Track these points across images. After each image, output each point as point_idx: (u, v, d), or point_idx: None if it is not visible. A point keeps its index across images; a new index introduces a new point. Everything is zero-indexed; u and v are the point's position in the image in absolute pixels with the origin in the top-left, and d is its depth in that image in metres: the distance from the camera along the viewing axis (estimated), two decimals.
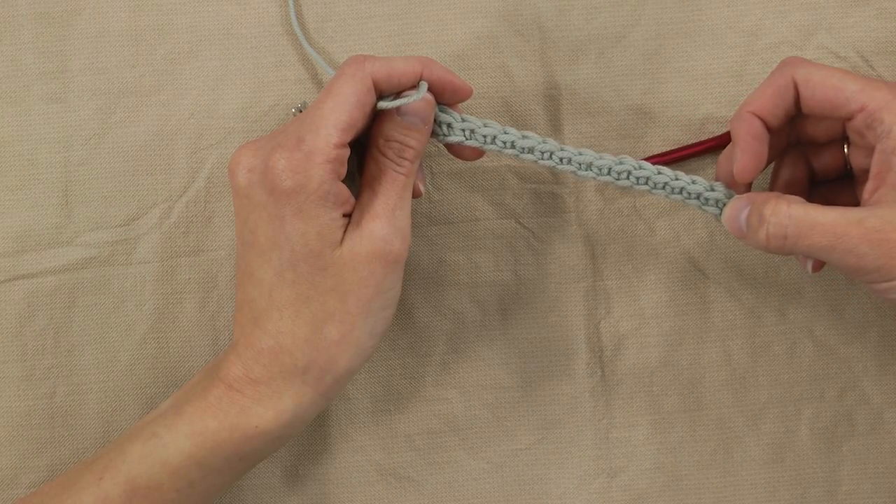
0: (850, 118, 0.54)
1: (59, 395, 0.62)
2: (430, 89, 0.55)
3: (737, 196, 0.56)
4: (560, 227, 0.63)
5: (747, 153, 0.55)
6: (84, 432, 0.62)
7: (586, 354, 0.63)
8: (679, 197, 0.57)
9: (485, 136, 0.56)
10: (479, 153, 0.58)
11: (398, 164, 0.55)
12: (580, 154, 0.57)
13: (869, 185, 0.54)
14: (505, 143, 0.56)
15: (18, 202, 0.62)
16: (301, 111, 0.58)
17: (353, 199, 0.54)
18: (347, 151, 0.53)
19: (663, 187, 0.57)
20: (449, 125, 0.56)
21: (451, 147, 0.58)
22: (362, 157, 0.56)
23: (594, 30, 0.62)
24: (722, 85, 0.62)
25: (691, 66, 0.62)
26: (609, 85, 0.62)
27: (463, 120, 0.56)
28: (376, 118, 0.55)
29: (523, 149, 0.57)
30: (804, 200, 0.54)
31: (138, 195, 0.62)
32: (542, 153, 0.57)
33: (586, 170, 0.57)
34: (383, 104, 0.54)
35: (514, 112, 0.62)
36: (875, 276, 0.52)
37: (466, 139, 0.57)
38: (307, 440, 0.63)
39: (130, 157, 0.62)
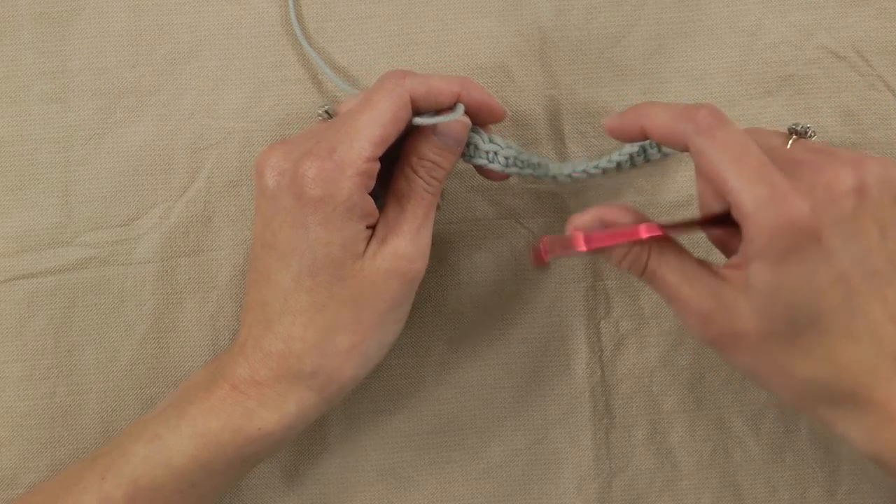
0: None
1: (59, 395, 0.62)
2: (466, 111, 0.55)
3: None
4: (560, 227, 0.63)
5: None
6: (84, 432, 0.62)
7: (586, 354, 0.63)
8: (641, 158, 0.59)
9: (506, 159, 0.57)
10: (505, 175, 0.58)
11: (428, 184, 0.55)
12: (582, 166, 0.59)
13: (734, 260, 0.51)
14: (523, 162, 0.57)
15: (18, 202, 0.62)
16: (328, 113, 0.58)
17: (377, 213, 0.54)
18: (378, 165, 0.53)
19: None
20: (476, 146, 0.57)
21: (478, 167, 0.58)
22: (386, 169, 0.55)
23: (594, 30, 0.62)
24: (722, 85, 0.62)
25: (691, 66, 0.62)
26: (609, 85, 0.62)
27: (490, 141, 0.57)
28: (408, 134, 0.55)
29: (540, 176, 0.58)
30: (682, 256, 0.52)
31: (138, 195, 0.62)
32: (553, 175, 0.58)
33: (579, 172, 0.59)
34: (420, 120, 0.54)
35: (514, 112, 0.62)
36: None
37: (490, 162, 0.57)
38: (307, 440, 0.63)
39: (130, 157, 0.62)
